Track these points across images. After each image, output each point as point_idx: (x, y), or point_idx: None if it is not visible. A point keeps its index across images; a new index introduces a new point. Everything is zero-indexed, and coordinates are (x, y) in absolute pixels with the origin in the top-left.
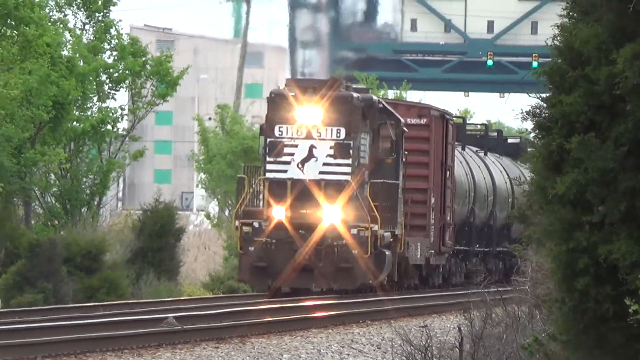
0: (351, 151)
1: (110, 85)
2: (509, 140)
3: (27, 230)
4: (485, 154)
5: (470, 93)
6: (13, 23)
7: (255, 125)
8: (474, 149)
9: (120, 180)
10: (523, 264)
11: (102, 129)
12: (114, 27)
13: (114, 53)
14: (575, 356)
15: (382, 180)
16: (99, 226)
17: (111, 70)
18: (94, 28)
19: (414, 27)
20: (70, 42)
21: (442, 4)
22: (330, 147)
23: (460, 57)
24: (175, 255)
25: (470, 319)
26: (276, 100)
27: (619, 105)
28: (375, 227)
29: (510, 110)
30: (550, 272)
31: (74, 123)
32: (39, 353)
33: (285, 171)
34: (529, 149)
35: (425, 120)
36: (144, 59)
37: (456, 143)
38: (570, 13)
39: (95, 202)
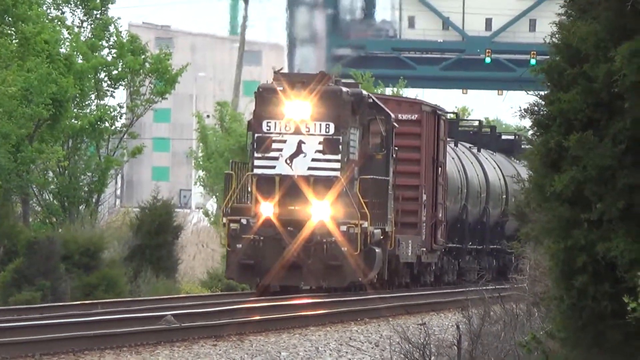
0: (340, 147)
1: (109, 82)
2: (503, 137)
3: (25, 227)
4: (479, 151)
5: (468, 90)
6: (11, 20)
7: None
8: (467, 145)
9: (119, 177)
10: (520, 261)
11: (101, 127)
12: (112, 25)
13: (113, 51)
14: (574, 354)
15: (372, 177)
16: (97, 224)
17: (110, 67)
18: (92, 26)
19: (412, 24)
20: (68, 39)
21: (440, 1)
22: (319, 143)
23: (458, 54)
24: (173, 253)
25: (468, 317)
26: (264, 95)
27: (617, 103)
28: (365, 224)
29: (508, 108)
30: (548, 269)
31: (72, 120)
32: (37, 351)
33: (274, 167)
34: (527, 147)
35: (416, 115)
36: (143, 56)
37: (449, 139)
38: (569, 11)
39: (94, 200)
